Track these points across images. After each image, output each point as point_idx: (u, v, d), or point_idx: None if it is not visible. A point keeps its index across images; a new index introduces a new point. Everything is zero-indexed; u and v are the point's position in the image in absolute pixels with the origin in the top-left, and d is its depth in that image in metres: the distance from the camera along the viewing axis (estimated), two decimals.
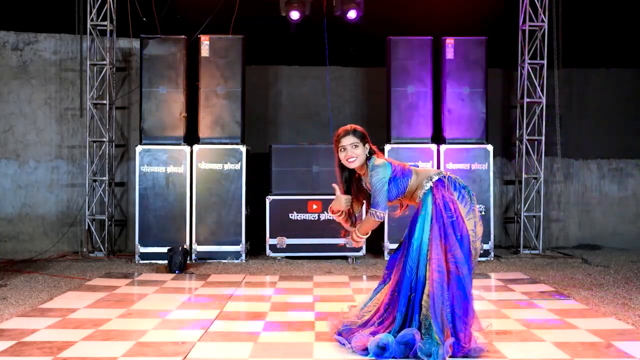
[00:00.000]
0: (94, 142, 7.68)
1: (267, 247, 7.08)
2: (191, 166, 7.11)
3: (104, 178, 7.66)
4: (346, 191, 3.78)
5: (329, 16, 7.55)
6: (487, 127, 7.47)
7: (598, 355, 3.51)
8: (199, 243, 7.07)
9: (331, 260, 7.11)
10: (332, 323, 3.78)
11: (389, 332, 3.43)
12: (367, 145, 3.67)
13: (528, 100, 7.68)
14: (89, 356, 3.50)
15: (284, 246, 7.08)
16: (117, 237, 8.08)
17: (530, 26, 7.62)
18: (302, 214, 7.09)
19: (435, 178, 3.60)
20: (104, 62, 7.59)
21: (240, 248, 7.08)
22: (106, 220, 7.64)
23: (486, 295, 5.17)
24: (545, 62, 7.65)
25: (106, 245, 7.59)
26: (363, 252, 7.11)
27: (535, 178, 7.81)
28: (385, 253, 7.18)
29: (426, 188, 3.58)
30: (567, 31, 7.73)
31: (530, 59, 7.68)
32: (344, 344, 3.59)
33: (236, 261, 7.04)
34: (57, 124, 8.16)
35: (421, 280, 3.45)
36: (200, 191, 7.11)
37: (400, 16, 7.74)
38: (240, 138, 7.27)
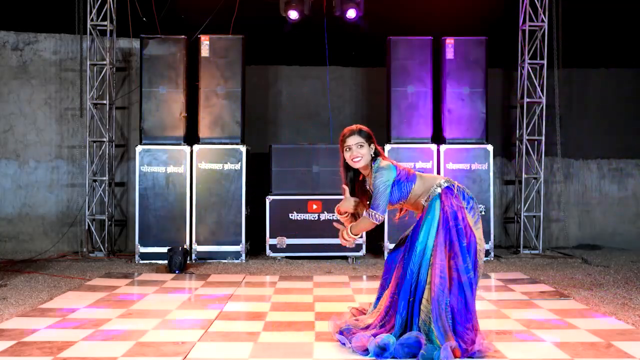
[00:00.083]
0: (94, 142, 7.68)
1: (267, 247, 7.08)
2: (191, 166, 7.11)
3: (104, 178, 7.66)
4: (350, 192, 3.78)
5: (328, 16, 7.56)
6: (487, 127, 7.47)
7: (598, 355, 3.51)
8: (199, 243, 7.07)
9: (331, 260, 7.11)
10: (335, 323, 3.78)
11: (390, 334, 3.43)
12: (372, 146, 3.67)
13: (528, 100, 7.68)
14: (89, 356, 3.50)
15: (284, 246, 7.08)
16: (117, 237, 8.08)
17: (530, 26, 7.62)
18: (302, 214, 7.09)
19: (444, 185, 3.59)
20: (104, 62, 7.59)
21: (240, 248, 7.08)
22: (106, 220, 7.64)
23: (486, 295, 5.17)
24: (545, 62, 7.65)
25: (106, 245, 7.59)
26: (363, 252, 7.10)
27: (535, 178, 7.81)
28: (385, 253, 7.17)
29: (434, 194, 3.57)
30: (567, 31, 7.73)
31: (530, 59, 7.68)
32: (344, 344, 3.60)
33: (236, 261, 7.04)
34: (57, 124, 8.16)
35: (422, 284, 3.44)
36: (200, 191, 7.11)
37: (400, 16, 7.74)
38: (240, 138, 7.27)
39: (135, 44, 8.03)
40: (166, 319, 4.37)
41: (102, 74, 7.63)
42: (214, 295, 5.22)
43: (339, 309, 4.56)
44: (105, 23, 7.53)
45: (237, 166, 7.12)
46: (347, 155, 3.67)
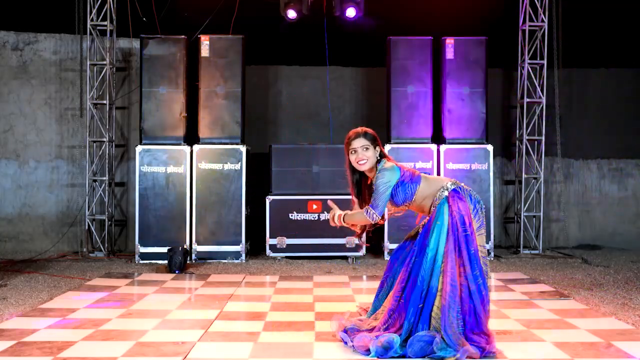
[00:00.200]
0: (94, 142, 7.68)
1: (267, 247, 7.09)
2: (191, 166, 7.11)
3: (104, 178, 7.66)
4: (357, 193, 3.79)
5: (328, 16, 7.56)
6: (487, 127, 7.47)
7: (598, 355, 3.51)
8: (199, 243, 7.07)
9: (331, 260, 7.11)
10: (340, 322, 3.78)
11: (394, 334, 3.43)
12: (377, 148, 3.68)
13: (528, 100, 7.68)
14: (89, 356, 3.50)
15: (284, 246, 7.08)
16: (117, 237, 8.08)
17: (530, 26, 7.62)
18: (302, 214, 7.09)
19: (451, 188, 3.58)
20: (104, 62, 7.59)
21: (240, 248, 7.08)
22: (106, 220, 7.64)
23: None
24: (545, 62, 7.65)
25: (106, 245, 7.59)
26: (363, 252, 7.11)
27: (535, 178, 7.81)
28: (385, 253, 7.18)
29: (441, 197, 3.56)
30: (567, 31, 7.73)
31: (530, 59, 7.69)
32: (346, 342, 3.59)
33: (236, 261, 7.04)
34: (57, 124, 8.16)
35: (433, 291, 3.43)
36: (200, 191, 7.11)
37: (400, 16, 7.74)
38: (240, 138, 7.27)
39: (135, 44, 8.03)
40: (166, 319, 4.37)
41: (102, 74, 7.63)
42: (214, 295, 5.22)
43: (339, 309, 4.56)
44: (105, 23, 7.53)
45: (237, 166, 7.12)
46: (352, 158, 3.68)
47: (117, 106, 8.04)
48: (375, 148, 3.66)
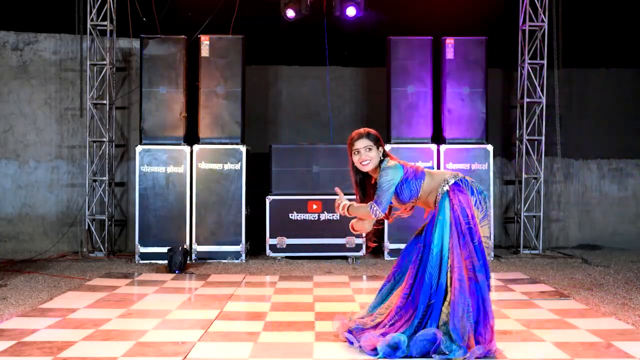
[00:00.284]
0: (94, 142, 7.68)
1: (267, 247, 7.08)
2: (191, 166, 7.11)
3: (104, 178, 7.66)
4: (362, 194, 3.80)
5: (328, 16, 7.56)
6: (487, 127, 7.47)
7: (598, 355, 3.51)
8: (199, 243, 7.07)
9: (331, 260, 7.11)
10: (343, 322, 3.77)
11: (402, 333, 3.41)
12: (380, 149, 3.68)
13: (528, 100, 7.68)
14: (89, 356, 3.50)
15: (284, 246, 7.08)
16: (117, 237, 8.08)
17: (530, 26, 7.62)
18: (302, 214, 7.09)
19: (452, 181, 3.58)
20: (104, 62, 7.59)
21: (240, 248, 7.08)
22: (106, 220, 7.64)
23: None
24: (545, 62, 7.65)
25: (106, 245, 7.59)
26: (363, 252, 7.11)
27: (535, 178, 7.81)
28: (385, 253, 7.19)
29: (443, 191, 3.56)
30: (567, 31, 7.73)
31: (530, 59, 7.69)
32: (352, 343, 3.58)
33: (236, 261, 7.04)
34: (57, 124, 8.16)
35: (442, 288, 3.43)
36: (200, 191, 7.11)
37: (400, 16, 7.74)
38: (240, 138, 7.27)
39: (135, 44, 8.03)
40: (166, 319, 4.37)
41: (102, 74, 7.63)
42: (214, 295, 5.22)
43: (339, 309, 4.56)
44: (105, 23, 7.53)
45: (237, 166, 7.12)
46: (355, 158, 3.68)
47: (117, 106, 8.04)
48: (378, 148, 3.67)
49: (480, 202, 3.57)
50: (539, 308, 4.70)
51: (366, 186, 3.80)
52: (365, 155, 3.64)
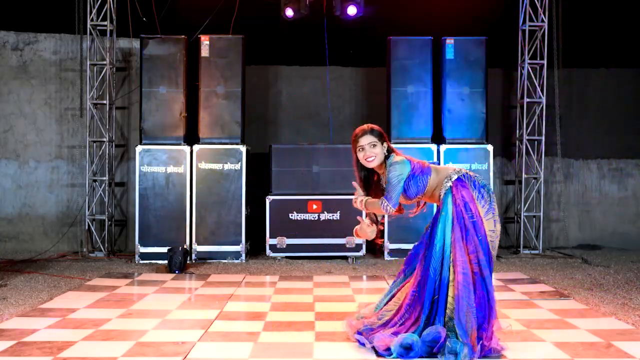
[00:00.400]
0: (94, 142, 7.68)
1: (267, 247, 7.08)
2: (191, 166, 7.11)
3: (104, 178, 7.66)
4: (366, 191, 3.79)
5: (328, 16, 7.56)
6: (487, 127, 7.47)
7: (598, 355, 3.51)
8: (199, 243, 7.07)
9: (331, 260, 7.11)
10: (351, 323, 3.75)
11: (413, 332, 3.41)
12: (385, 144, 3.67)
13: (528, 100, 7.68)
14: (89, 356, 3.50)
15: (284, 246, 7.08)
16: (117, 237, 8.08)
17: (530, 26, 7.62)
18: (302, 214, 7.09)
19: (455, 177, 3.58)
20: (104, 62, 7.59)
21: (240, 248, 7.08)
22: (106, 220, 7.64)
23: None
24: (545, 62, 7.65)
25: (106, 245, 7.59)
26: (363, 252, 7.11)
27: (535, 178, 7.81)
28: (385, 253, 7.18)
29: (446, 187, 3.56)
30: (567, 31, 7.73)
31: (530, 59, 7.68)
32: (363, 344, 3.56)
33: (236, 261, 7.04)
34: (57, 124, 8.16)
35: (445, 282, 3.43)
36: (200, 191, 7.11)
37: (400, 16, 7.74)
38: (240, 138, 7.27)
39: (135, 44, 8.03)
40: (166, 319, 4.37)
41: (102, 74, 7.63)
42: (214, 295, 5.22)
43: (339, 309, 4.57)
44: (105, 23, 7.53)
45: (237, 166, 7.12)
46: (360, 155, 3.67)
47: (117, 106, 8.04)
48: (382, 144, 3.66)
49: (483, 196, 3.57)
50: (539, 308, 4.71)
51: (370, 183, 3.79)
52: (370, 151, 3.63)
